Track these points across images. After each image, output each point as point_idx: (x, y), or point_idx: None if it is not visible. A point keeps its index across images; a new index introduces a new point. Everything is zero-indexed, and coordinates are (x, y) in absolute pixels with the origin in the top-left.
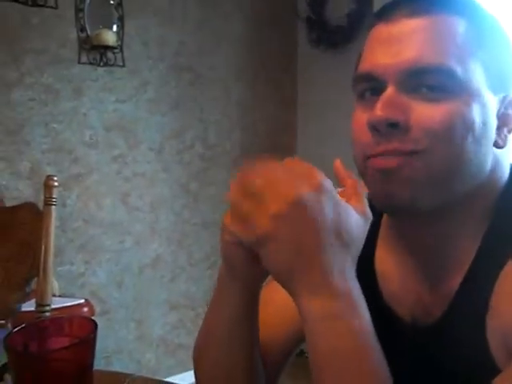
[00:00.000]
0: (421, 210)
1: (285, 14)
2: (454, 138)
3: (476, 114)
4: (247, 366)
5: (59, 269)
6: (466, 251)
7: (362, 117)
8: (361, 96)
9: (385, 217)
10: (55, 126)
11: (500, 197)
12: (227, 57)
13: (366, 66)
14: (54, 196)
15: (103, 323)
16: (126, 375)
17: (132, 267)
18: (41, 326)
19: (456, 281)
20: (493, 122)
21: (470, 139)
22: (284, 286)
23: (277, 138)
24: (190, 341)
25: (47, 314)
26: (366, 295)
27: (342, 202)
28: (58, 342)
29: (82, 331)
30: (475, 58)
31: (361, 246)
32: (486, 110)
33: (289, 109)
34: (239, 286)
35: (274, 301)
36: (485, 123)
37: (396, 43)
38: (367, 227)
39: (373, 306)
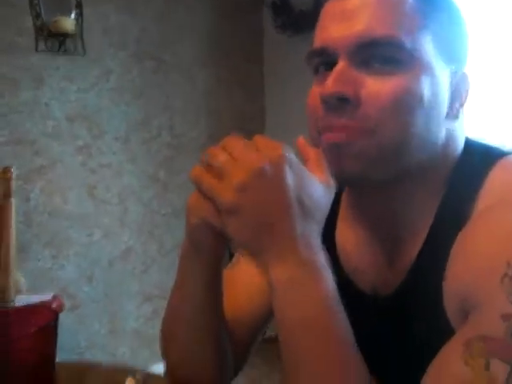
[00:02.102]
0: (372, 183)
1: (250, 0)
2: (404, 112)
3: (426, 86)
4: (215, 347)
5: (25, 265)
6: (421, 223)
7: (315, 91)
8: (315, 71)
9: (344, 193)
10: (14, 117)
11: (454, 169)
12: (191, 44)
13: (318, 41)
14: (11, 188)
15: (74, 319)
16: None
17: (102, 260)
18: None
19: (413, 252)
20: (444, 95)
21: (420, 113)
22: (252, 257)
23: (244, 126)
24: None
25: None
26: None
27: (305, 171)
28: (18, 332)
29: (43, 321)
30: (425, 29)
31: (325, 215)
32: (436, 82)
33: (256, 96)
34: (203, 265)
35: (239, 281)
36: (435, 96)
37: (346, 17)
38: (331, 196)
39: (334, 280)
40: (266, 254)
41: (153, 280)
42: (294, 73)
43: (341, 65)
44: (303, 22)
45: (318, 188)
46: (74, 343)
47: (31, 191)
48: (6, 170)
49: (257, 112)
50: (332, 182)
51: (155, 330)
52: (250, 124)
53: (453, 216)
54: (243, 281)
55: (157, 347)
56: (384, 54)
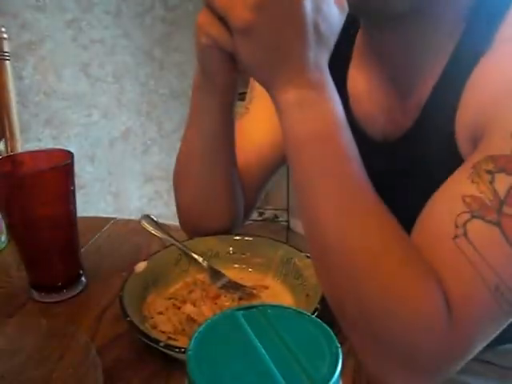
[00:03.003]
0: (388, 13)
1: None
2: None
3: None
4: (227, 186)
5: (27, 146)
6: (436, 60)
7: None
8: None
9: (358, 35)
10: None
11: (472, 8)
12: None
13: None
14: (5, 50)
15: (80, 198)
16: (107, 219)
17: (102, 141)
18: (16, 158)
19: (426, 90)
20: None
21: None
22: (260, 81)
23: None
24: (167, 211)
25: None
26: None
27: None
28: (36, 170)
29: (59, 161)
30: None
31: (335, 39)
32: None
33: None
34: (215, 95)
35: (247, 131)
36: None
37: None
38: (343, 20)
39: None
40: (276, 78)
41: (153, 161)
42: None
43: None
44: None
45: (334, 12)
46: None
47: (23, 69)
48: None
49: None
50: (346, 5)
51: (158, 209)
52: None
53: (470, 50)
54: (254, 128)
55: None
56: None
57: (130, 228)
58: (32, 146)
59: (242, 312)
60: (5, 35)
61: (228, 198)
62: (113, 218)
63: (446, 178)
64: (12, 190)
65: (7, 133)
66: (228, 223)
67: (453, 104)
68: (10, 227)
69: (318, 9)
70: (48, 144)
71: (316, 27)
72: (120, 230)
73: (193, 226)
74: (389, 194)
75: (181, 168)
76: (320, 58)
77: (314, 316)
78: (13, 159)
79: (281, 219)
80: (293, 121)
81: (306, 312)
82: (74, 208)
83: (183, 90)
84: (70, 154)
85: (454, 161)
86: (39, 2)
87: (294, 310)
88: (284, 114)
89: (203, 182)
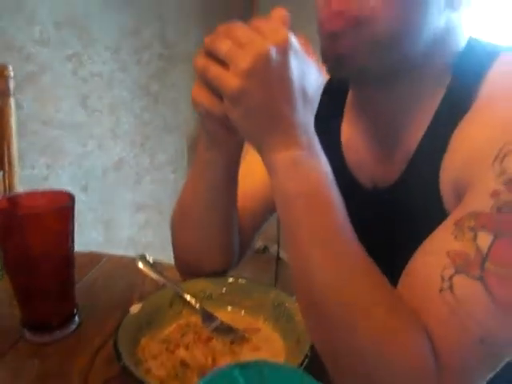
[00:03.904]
0: (371, 74)
1: None
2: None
3: None
4: (226, 230)
5: (21, 173)
6: (424, 112)
7: None
8: None
9: (350, 92)
10: None
11: (455, 65)
12: None
13: None
14: (10, 86)
15: None
16: (100, 255)
17: (96, 170)
18: (18, 198)
19: (413, 144)
20: None
21: (420, 1)
22: (251, 142)
23: None
24: (157, 240)
25: None
26: (332, 164)
27: (306, 58)
28: (37, 211)
29: (60, 201)
30: None
31: (317, 103)
32: None
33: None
34: (220, 154)
35: (252, 172)
36: None
37: None
38: (323, 83)
39: (337, 173)
40: (267, 140)
41: (145, 191)
42: None
43: None
44: None
45: (317, 77)
46: None
47: (23, 100)
48: (3, 67)
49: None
50: (324, 71)
51: (148, 238)
52: None
53: (452, 111)
54: (256, 172)
55: (150, 254)
56: None
57: (124, 264)
58: (26, 173)
59: (238, 370)
60: (11, 73)
61: (226, 242)
62: (106, 254)
63: (432, 230)
64: (11, 229)
65: (6, 165)
66: (224, 265)
67: (437, 159)
68: (6, 263)
69: (303, 74)
70: (42, 172)
71: (303, 92)
72: (114, 266)
73: (189, 268)
74: (376, 240)
75: (181, 212)
76: (307, 120)
77: (307, 374)
78: (14, 198)
79: (271, 250)
80: (283, 180)
81: (301, 371)
82: (72, 248)
83: (177, 124)
84: (70, 196)
85: (439, 213)
86: (43, 36)
87: (290, 368)
88: (274, 174)
89: (203, 227)
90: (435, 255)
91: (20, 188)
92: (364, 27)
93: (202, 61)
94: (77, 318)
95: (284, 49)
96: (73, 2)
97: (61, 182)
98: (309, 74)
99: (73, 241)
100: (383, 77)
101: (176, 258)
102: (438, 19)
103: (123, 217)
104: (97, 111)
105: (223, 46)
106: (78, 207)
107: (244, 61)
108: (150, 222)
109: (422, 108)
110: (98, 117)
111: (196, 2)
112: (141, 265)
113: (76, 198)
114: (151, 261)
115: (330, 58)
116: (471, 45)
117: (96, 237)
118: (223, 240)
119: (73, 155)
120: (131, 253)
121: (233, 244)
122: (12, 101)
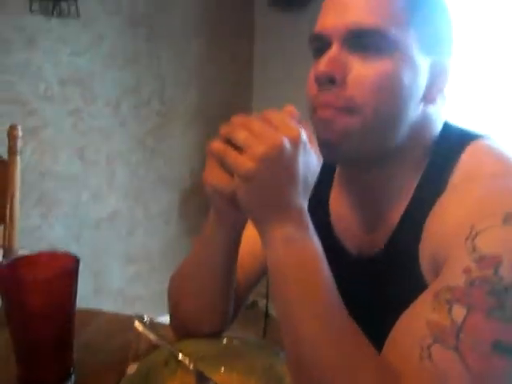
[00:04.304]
0: (358, 159)
1: None
2: (384, 95)
3: (406, 73)
4: (225, 295)
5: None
6: (402, 196)
7: (312, 72)
8: (314, 54)
9: (338, 167)
10: (6, 77)
11: (430, 151)
12: (185, 12)
13: (317, 27)
14: (18, 145)
15: None
16: (95, 312)
17: (89, 221)
18: (23, 260)
19: (395, 220)
20: (422, 82)
21: (398, 96)
22: (252, 218)
23: (233, 98)
24: (146, 292)
25: None
26: (321, 231)
27: (311, 151)
28: (42, 275)
29: (64, 265)
30: (410, 23)
31: (313, 185)
32: (415, 70)
33: (246, 68)
34: (225, 230)
35: (254, 234)
36: (413, 82)
37: (342, 6)
38: (319, 168)
39: (326, 240)
40: (267, 217)
41: (137, 242)
42: (284, 46)
43: (333, 49)
44: None
45: (316, 164)
46: None
47: (23, 152)
48: (13, 127)
49: (246, 84)
50: (321, 158)
51: (138, 290)
52: (239, 96)
53: (429, 191)
54: (245, 238)
55: (139, 307)
56: (371, 42)
57: (119, 322)
58: (20, 223)
59: None
60: (20, 133)
61: (226, 306)
62: (102, 312)
63: (412, 299)
64: (13, 291)
65: (7, 220)
66: (221, 327)
67: (416, 235)
68: (8, 321)
69: (307, 164)
70: (36, 222)
71: (305, 178)
72: (109, 324)
73: (187, 330)
74: (359, 306)
75: (181, 278)
76: (304, 203)
77: None
78: (18, 260)
79: (260, 305)
80: (278, 254)
81: None
82: (74, 309)
83: (171, 177)
84: (75, 259)
85: (418, 284)
86: (47, 92)
87: None
88: (270, 248)
89: (203, 292)
90: (415, 323)
91: (19, 241)
92: (352, 117)
93: (219, 145)
94: (73, 377)
95: (296, 143)
96: (77, 61)
97: (54, 231)
98: (311, 163)
99: (75, 301)
100: (368, 161)
101: (173, 319)
102: (415, 112)
103: (114, 268)
104: (93, 163)
105: (241, 135)
106: None
107: (259, 148)
108: (141, 273)
109: (403, 187)
110: (95, 168)
111: (195, 64)
112: (138, 324)
113: (68, 249)
114: (148, 321)
115: (320, 143)
116: (446, 131)
117: (84, 288)
118: (224, 306)
119: (67, 205)
120: (120, 304)
121: (229, 306)
122: (18, 159)
